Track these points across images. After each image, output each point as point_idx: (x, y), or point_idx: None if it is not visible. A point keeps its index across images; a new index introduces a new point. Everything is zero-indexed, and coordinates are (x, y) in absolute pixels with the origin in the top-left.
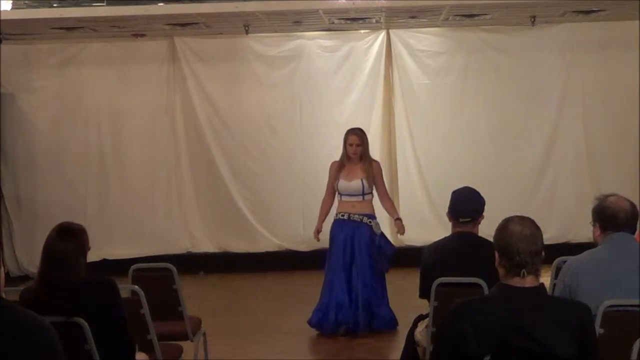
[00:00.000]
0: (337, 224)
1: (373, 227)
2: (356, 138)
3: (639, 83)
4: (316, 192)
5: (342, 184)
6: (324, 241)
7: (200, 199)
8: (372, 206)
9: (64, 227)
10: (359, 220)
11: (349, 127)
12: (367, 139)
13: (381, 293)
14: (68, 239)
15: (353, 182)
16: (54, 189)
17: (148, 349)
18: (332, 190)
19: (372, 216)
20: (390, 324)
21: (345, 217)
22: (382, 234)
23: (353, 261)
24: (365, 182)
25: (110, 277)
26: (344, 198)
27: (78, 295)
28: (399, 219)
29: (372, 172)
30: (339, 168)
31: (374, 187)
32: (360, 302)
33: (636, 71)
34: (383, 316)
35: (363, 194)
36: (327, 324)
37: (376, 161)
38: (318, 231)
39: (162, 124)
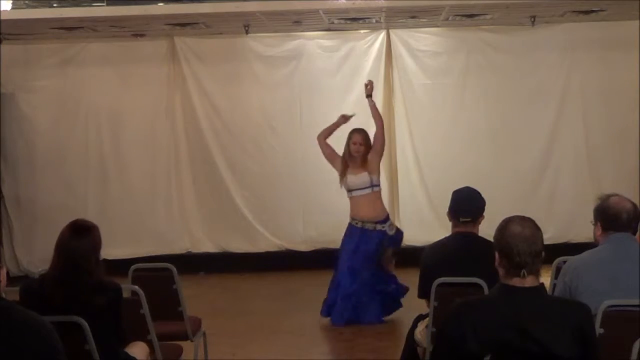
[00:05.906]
0: (350, 230)
1: (387, 231)
2: (360, 137)
3: (639, 83)
4: (316, 192)
5: (351, 179)
6: (324, 242)
7: (200, 198)
8: (383, 203)
9: (77, 224)
10: (371, 228)
11: (349, 127)
12: (369, 142)
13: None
14: (82, 237)
15: (360, 175)
16: (54, 189)
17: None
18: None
19: (385, 220)
20: (399, 294)
21: (359, 225)
22: (397, 230)
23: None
24: (369, 175)
25: (116, 281)
26: (355, 194)
27: (91, 295)
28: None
29: (367, 162)
30: (344, 165)
31: (378, 177)
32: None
33: (636, 71)
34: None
35: (372, 186)
36: (337, 312)
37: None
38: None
39: (162, 124)
